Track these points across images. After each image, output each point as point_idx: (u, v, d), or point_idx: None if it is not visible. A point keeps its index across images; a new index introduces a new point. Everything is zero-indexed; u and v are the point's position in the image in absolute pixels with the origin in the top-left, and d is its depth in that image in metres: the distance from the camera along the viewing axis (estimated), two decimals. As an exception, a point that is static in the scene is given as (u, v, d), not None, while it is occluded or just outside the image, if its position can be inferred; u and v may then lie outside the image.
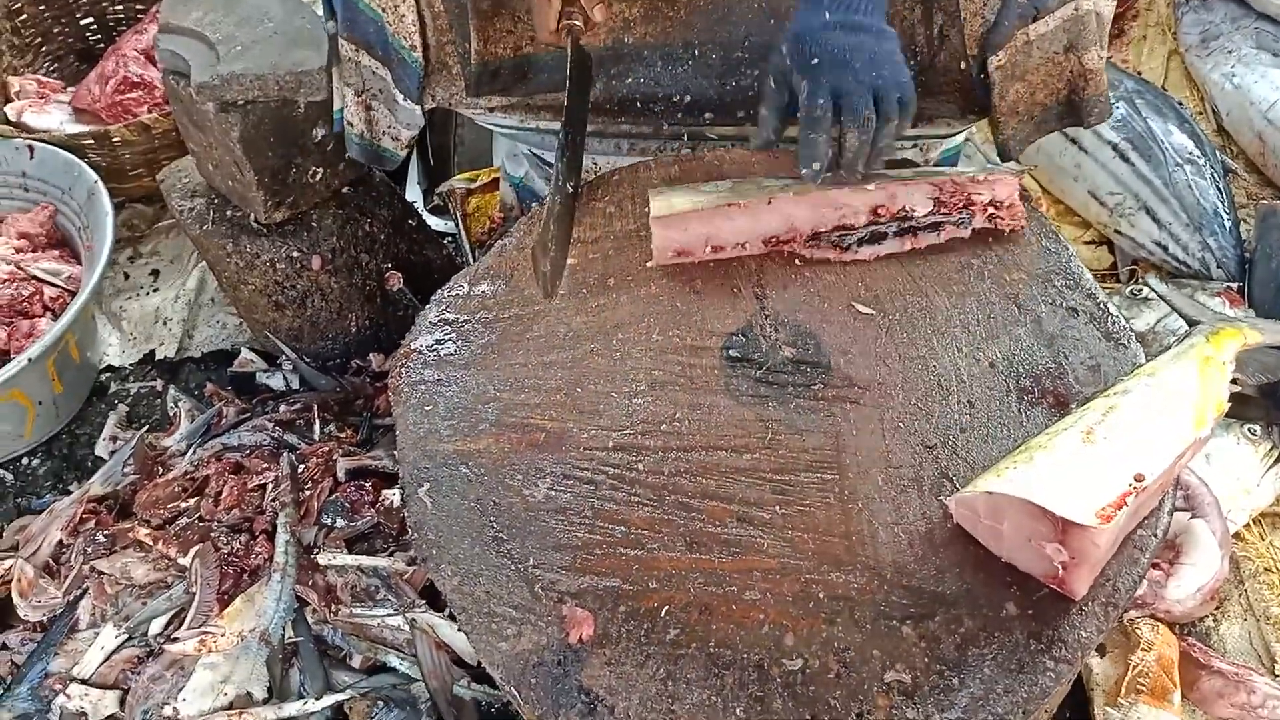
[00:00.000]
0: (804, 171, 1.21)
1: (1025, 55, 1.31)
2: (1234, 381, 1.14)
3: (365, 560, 1.46)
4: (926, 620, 0.99)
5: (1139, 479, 0.97)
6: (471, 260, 1.90)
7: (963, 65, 1.36)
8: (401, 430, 1.17)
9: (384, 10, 1.37)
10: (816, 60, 1.18)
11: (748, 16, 1.48)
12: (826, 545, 1.04)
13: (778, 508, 1.07)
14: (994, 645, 0.97)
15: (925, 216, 1.27)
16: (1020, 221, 1.28)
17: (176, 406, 1.77)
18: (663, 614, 1.01)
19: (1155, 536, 1.04)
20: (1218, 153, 1.84)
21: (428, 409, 1.18)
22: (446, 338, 1.26)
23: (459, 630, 1.23)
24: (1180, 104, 1.91)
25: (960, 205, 1.27)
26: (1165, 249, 1.75)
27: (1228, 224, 1.74)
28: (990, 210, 1.27)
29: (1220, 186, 1.76)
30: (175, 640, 1.37)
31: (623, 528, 1.07)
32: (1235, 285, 1.69)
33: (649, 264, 1.29)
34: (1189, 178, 1.75)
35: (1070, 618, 0.98)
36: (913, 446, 1.11)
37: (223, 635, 1.38)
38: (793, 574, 1.03)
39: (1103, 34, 1.30)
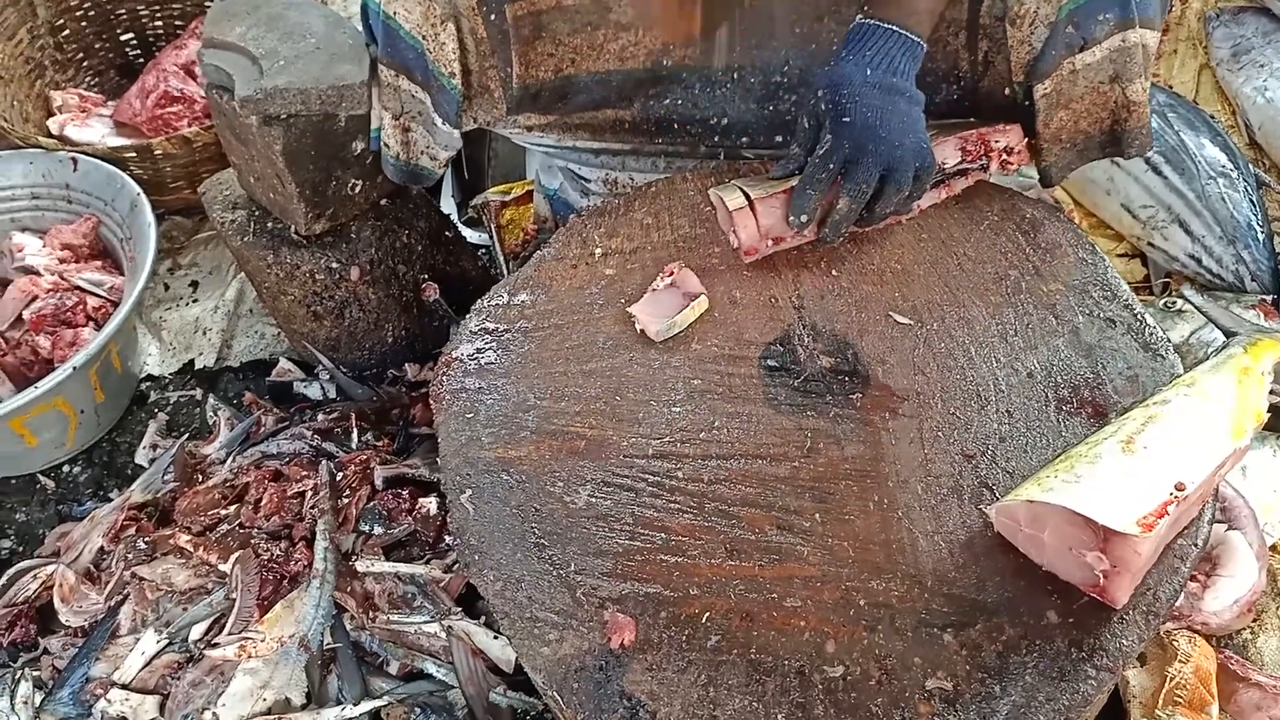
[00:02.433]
0: (790, 219, 1.27)
1: (1071, 84, 1.31)
2: (1274, 392, 1.14)
3: (402, 567, 1.47)
4: (967, 628, 1.00)
5: (1180, 488, 0.97)
6: (506, 272, 1.92)
7: (1007, 91, 1.37)
8: (443, 437, 1.19)
9: (424, 38, 1.38)
10: (848, 119, 1.21)
11: (788, 42, 1.48)
12: (866, 553, 1.05)
13: (817, 516, 1.08)
14: (1035, 653, 0.97)
15: (954, 166, 1.35)
16: (1025, 160, 1.38)
17: (216, 415, 1.79)
18: (704, 620, 1.02)
19: (1195, 546, 1.04)
20: (1250, 166, 1.83)
21: (469, 417, 1.20)
22: (487, 346, 1.28)
23: (501, 635, 1.23)
24: (1212, 117, 1.91)
25: (981, 153, 1.36)
26: (1199, 262, 1.75)
27: (1261, 237, 1.74)
28: (1003, 156, 1.36)
29: (1254, 199, 1.76)
30: (215, 646, 1.38)
31: (663, 534, 1.08)
32: (1270, 298, 1.69)
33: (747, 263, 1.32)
34: (1222, 190, 1.75)
35: (1111, 626, 0.98)
36: (952, 456, 1.12)
37: (262, 641, 1.39)
38: (833, 581, 1.03)
39: (1148, 66, 1.30)
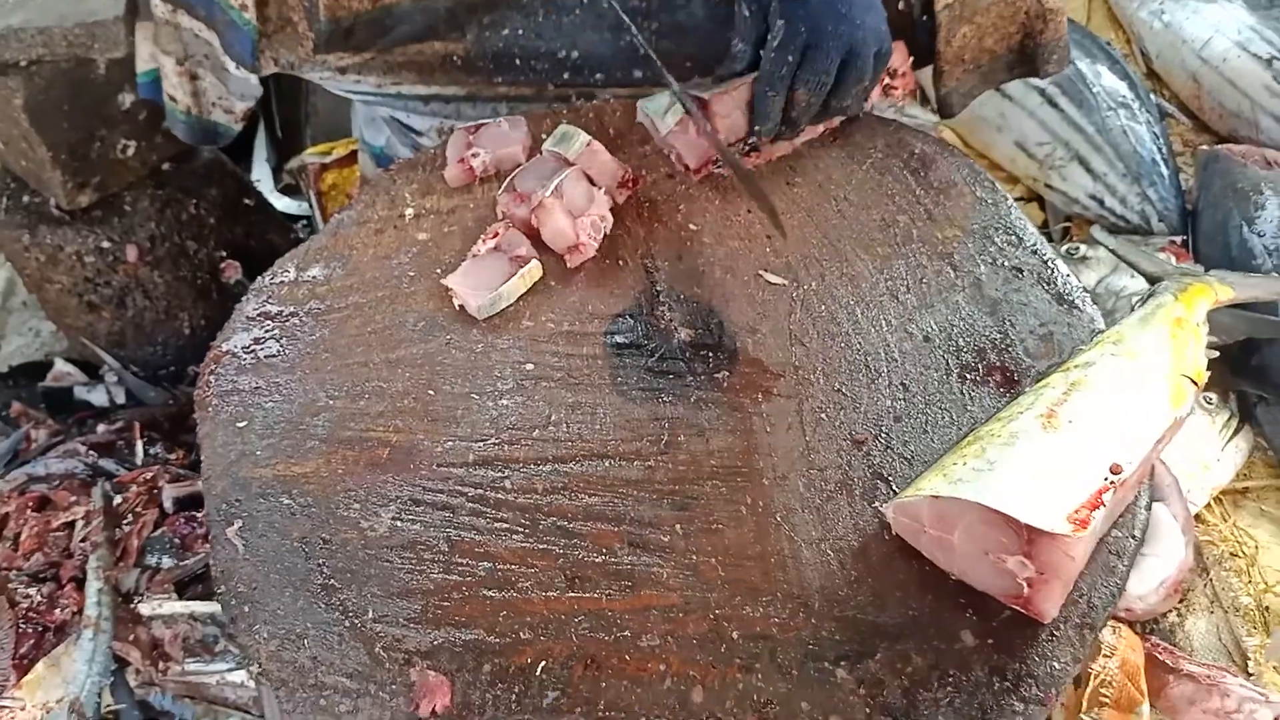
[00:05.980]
0: (755, 127, 1.09)
1: None
2: (1210, 345, 0.97)
3: (198, 606, 1.22)
4: (865, 660, 0.80)
5: (1115, 470, 0.80)
6: (330, 245, 1.66)
7: (900, 5, 1.17)
8: (208, 453, 0.95)
9: None
10: None
11: None
12: (739, 571, 0.85)
13: (678, 527, 0.87)
14: (950, 686, 0.79)
15: None
16: (910, 87, 1.19)
17: (-25, 431, 1.50)
18: (538, 672, 0.81)
19: (1133, 538, 0.87)
20: (1152, 96, 1.69)
21: (241, 425, 0.96)
22: (268, 335, 1.03)
23: (281, 710, 1.00)
24: (1109, 44, 1.76)
25: None
26: (1101, 202, 1.60)
27: (1166, 173, 1.59)
28: (885, 80, 1.17)
29: (1157, 132, 1.61)
30: (-40, 720, 1.13)
31: (486, 563, 0.86)
32: (1180, 239, 1.54)
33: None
34: (1124, 123, 1.60)
35: (1040, 645, 0.80)
36: (839, 442, 0.92)
37: (23, 709, 1.15)
38: (699, 610, 0.83)
39: None
